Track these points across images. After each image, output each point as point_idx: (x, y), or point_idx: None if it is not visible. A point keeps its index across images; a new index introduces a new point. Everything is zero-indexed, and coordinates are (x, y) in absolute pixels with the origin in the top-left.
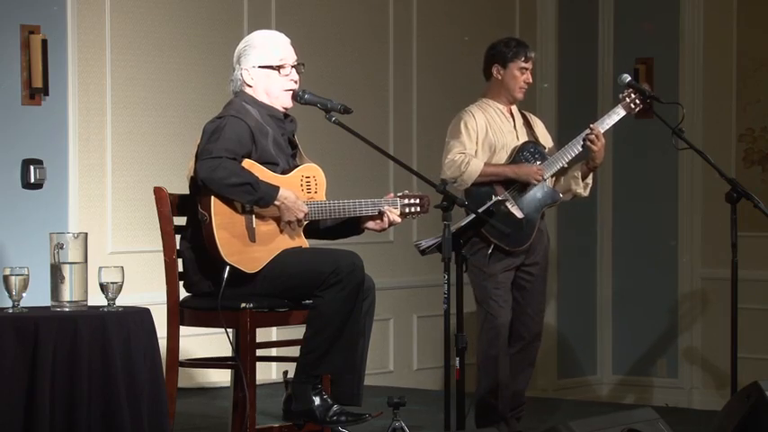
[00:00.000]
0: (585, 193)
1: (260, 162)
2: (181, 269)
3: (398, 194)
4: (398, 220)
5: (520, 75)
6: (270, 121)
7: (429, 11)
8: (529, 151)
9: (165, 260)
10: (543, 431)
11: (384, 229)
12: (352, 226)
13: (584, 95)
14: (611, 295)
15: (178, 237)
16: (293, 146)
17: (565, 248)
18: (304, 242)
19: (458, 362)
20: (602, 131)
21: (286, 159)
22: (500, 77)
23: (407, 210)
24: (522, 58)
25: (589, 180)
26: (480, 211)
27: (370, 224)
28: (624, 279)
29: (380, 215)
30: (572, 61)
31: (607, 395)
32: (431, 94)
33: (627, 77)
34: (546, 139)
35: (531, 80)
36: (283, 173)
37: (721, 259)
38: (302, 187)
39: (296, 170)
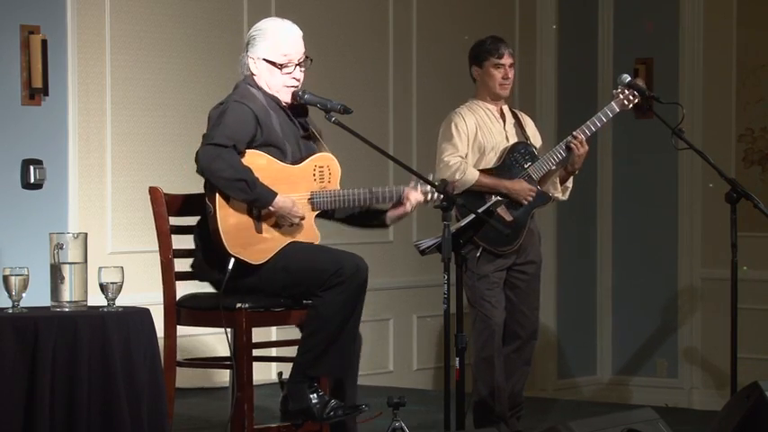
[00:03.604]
0: (564, 197)
1: (266, 144)
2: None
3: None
4: (421, 198)
5: (496, 72)
6: (275, 107)
7: (429, 11)
8: (519, 152)
9: (161, 260)
10: (543, 431)
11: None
12: (375, 217)
13: (584, 95)
14: (611, 295)
15: (174, 237)
16: (305, 129)
17: (564, 248)
18: (314, 234)
19: (458, 362)
20: (587, 136)
21: (296, 143)
22: (479, 78)
23: (429, 197)
24: (495, 56)
25: (569, 184)
26: (480, 211)
27: (391, 213)
28: (624, 279)
29: (399, 203)
30: (572, 61)
31: (607, 395)
32: (431, 94)
33: (627, 77)
34: (535, 139)
35: (510, 76)
36: (294, 162)
37: (721, 259)
38: (315, 177)
39: (309, 159)
